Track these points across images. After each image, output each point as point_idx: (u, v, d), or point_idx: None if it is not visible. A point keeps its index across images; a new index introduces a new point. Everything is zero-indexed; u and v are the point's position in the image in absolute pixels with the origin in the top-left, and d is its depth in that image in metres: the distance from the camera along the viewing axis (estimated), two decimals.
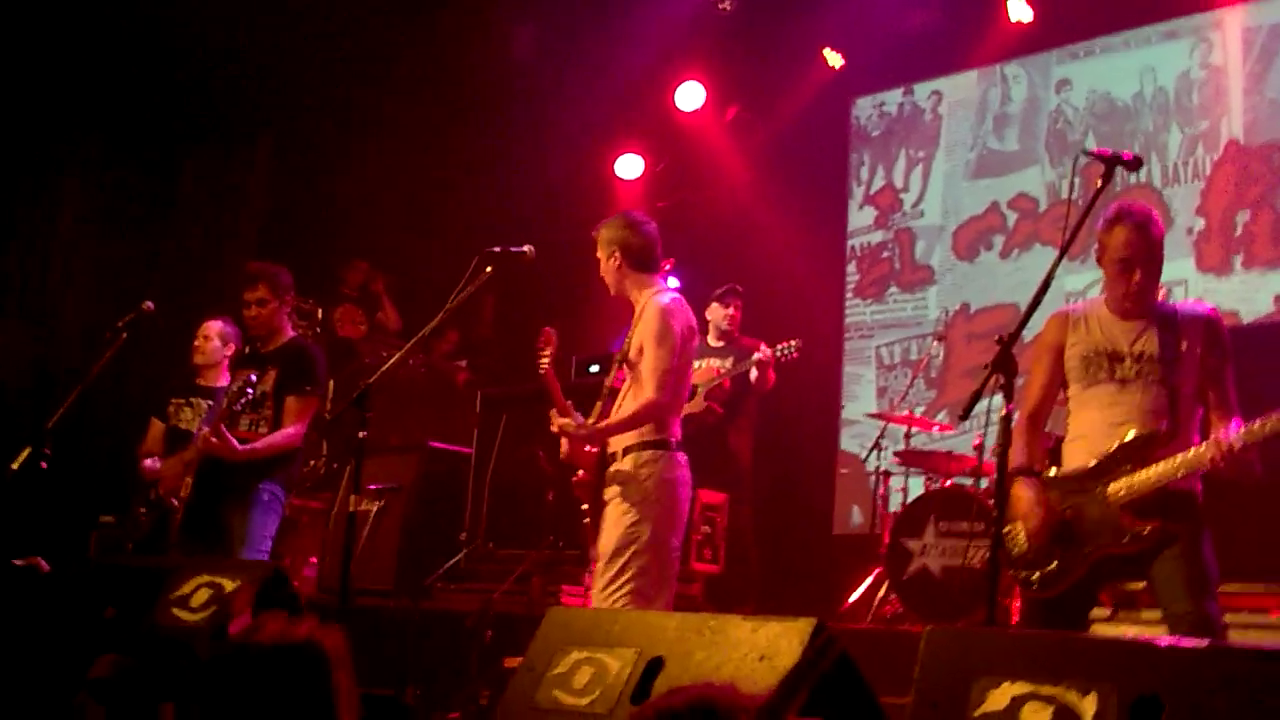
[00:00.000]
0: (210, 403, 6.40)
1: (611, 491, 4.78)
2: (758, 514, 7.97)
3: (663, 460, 4.77)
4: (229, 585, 3.67)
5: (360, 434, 4.65)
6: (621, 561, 4.65)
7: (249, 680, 2.33)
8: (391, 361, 5.09)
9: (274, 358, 6.09)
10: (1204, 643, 2.77)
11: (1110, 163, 3.87)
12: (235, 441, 5.78)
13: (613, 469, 4.79)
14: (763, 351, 7.45)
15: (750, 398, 7.75)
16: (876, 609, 7.24)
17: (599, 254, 5.03)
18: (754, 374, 7.51)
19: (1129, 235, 4.09)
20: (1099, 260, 4.22)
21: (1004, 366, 3.50)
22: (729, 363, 7.67)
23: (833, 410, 9.73)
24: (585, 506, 4.90)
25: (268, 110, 9.49)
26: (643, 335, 4.84)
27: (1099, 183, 3.87)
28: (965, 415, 3.62)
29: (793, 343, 7.49)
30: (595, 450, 4.86)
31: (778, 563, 8.70)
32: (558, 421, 4.83)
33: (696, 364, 7.69)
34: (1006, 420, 3.54)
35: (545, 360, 4.98)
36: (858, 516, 9.20)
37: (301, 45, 9.01)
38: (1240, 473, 3.87)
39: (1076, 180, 4.00)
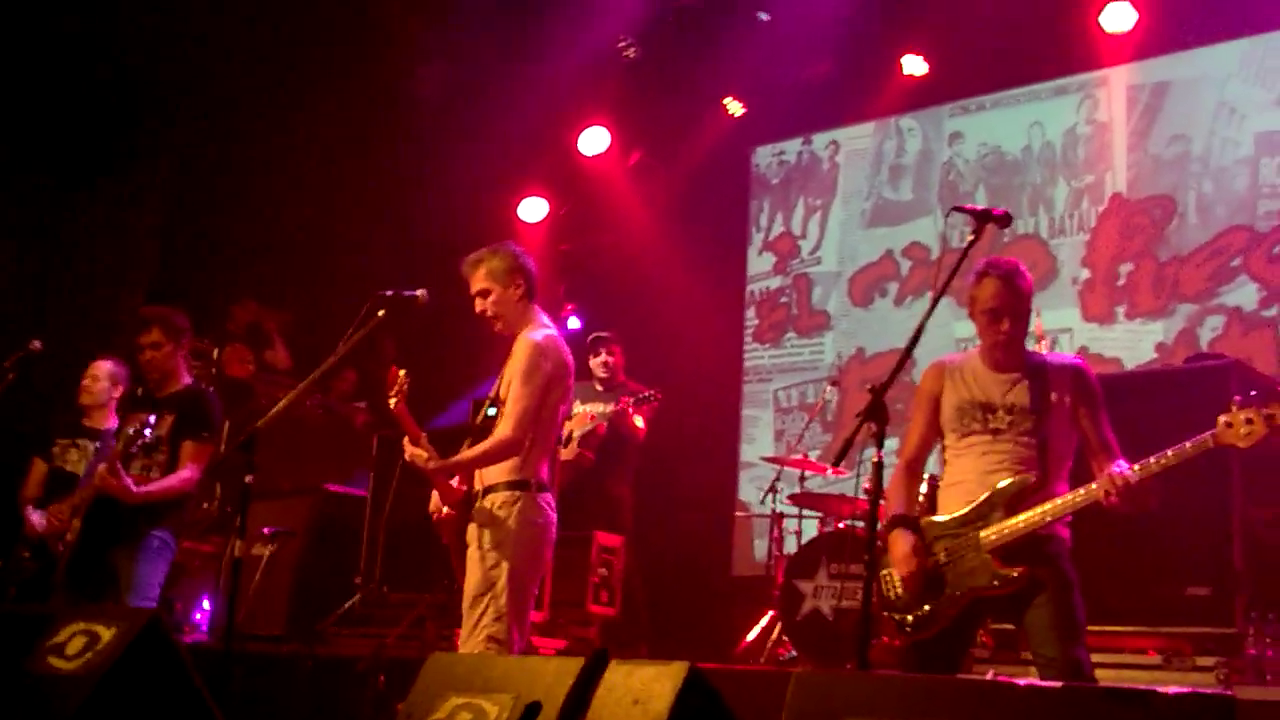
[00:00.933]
0: (97, 444, 6.31)
1: (472, 532, 4.74)
2: (651, 556, 8.04)
3: (523, 501, 4.70)
4: (105, 633, 3.62)
5: (247, 478, 4.61)
6: (481, 606, 4.61)
7: None
8: (282, 404, 5.02)
9: (170, 403, 6.01)
10: (1058, 684, 2.86)
11: (981, 218, 4.00)
12: (129, 481, 5.71)
13: (475, 508, 4.73)
14: (619, 403, 7.69)
15: (626, 444, 7.89)
16: (770, 650, 7.30)
17: (489, 285, 4.90)
18: (602, 425, 7.73)
19: (996, 287, 4.22)
20: (970, 313, 4.35)
21: (876, 415, 3.59)
22: (609, 408, 7.83)
23: (731, 453, 9.84)
24: (447, 543, 4.88)
25: (163, 144, 9.37)
26: (512, 371, 4.81)
27: (971, 237, 3.99)
28: (838, 461, 3.71)
29: (649, 393, 7.75)
30: (462, 488, 4.82)
31: (676, 605, 8.76)
32: (409, 451, 4.74)
33: (577, 408, 7.86)
34: (878, 467, 3.63)
35: (394, 399, 4.89)
36: (759, 557, 9.29)
37: (200, 79, 8.93)
38: (1135, 505, 3.99)
39: (958, 232, 4.13)
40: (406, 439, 4.84)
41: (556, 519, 4.85)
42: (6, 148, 8.96)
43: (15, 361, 6.24)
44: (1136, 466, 4.00)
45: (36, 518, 6.13)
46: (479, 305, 4.94)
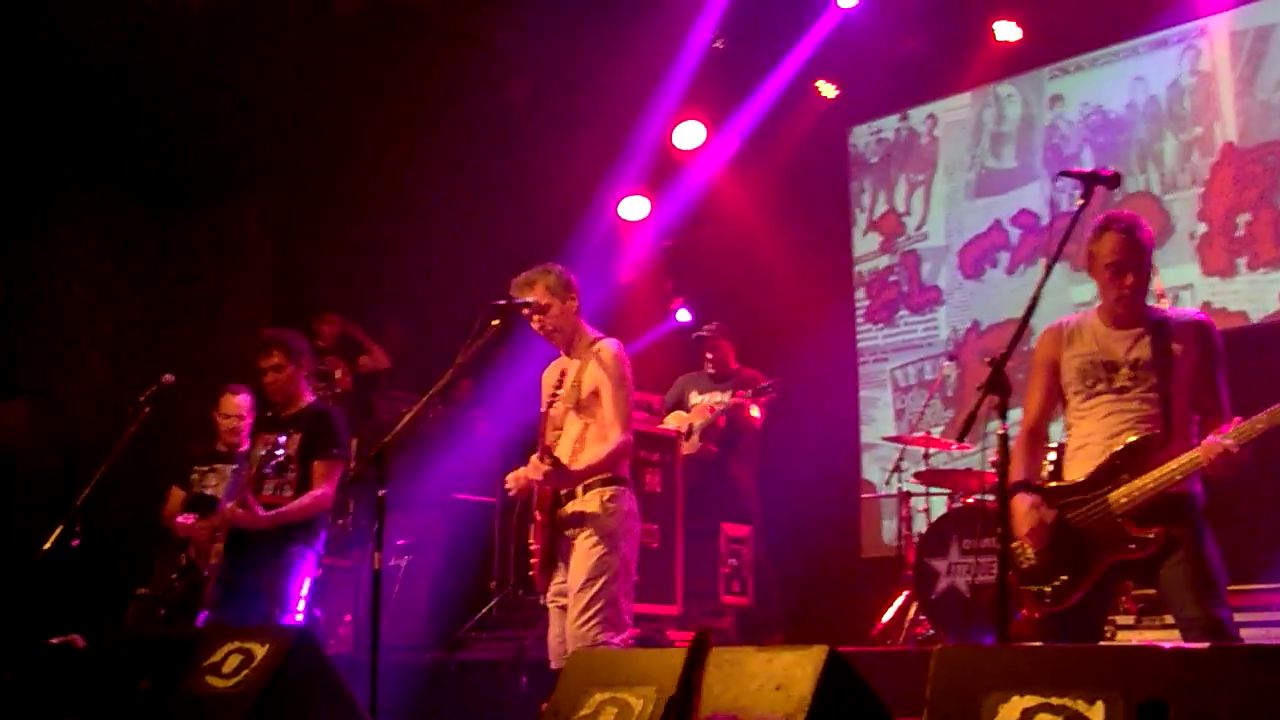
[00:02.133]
0: (234, 467, 6.52)
1: (578, 527, 4.97)
2: (780, 544, 8.06)
3: (624, 496, 5.03)
4: (259, 650, 3.76)
5: (380, 492, 4.73)
6: (594, 590, 4.86)
7: None
8: (408, 417, 5.14)
9: (296, 422, 6.18)
10: (1205, 645, 2.83)
11: (1090, 180, 3.95)
12: (261, 509, 5.88)
13: (574, 507, 4.98)
14: (736, 396, 7.85)
15: (744, 434, 7.96)
16: (908, 630, 7.27)
17: (549, 300, 5.14)
18: (722, 417, 7.90)
19: (1118, 241, 4.18)
20: (1089, 269, 4.29)
21: (997, 387, 3.57)
22: (727, 397, 7.93)
23: (853, 435, 9.80)
24: (535, 548, 5.08)
25: (266, 169, 9.60)
26: (597, 379, 5.06)
27: (1081, 200, 3.94)
28: (962, 436, 3.70)
29: (767, 384, 7.89)
30: (549, 492, 5.03)
31: (808, 591, 8.75)
32: (540, 469, 4.95)
33: (695, 399, 7.98)
34: (1004, 439, 3.61)
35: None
36: (888, 538, 9.24)
37: (297, 102, 9.13)
38: (1235, 472, 3.93)
39: (1067, 195, 4.09)
40: (535, 456, 5.05)
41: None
42: (120, 179, 9.24)
43: (149, 396, 6.44)
44: (1232, 433, 3.92)
45: (181, 518, 6.35)
46: (537, 321, 5.17)
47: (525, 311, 5.14)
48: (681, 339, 10.06)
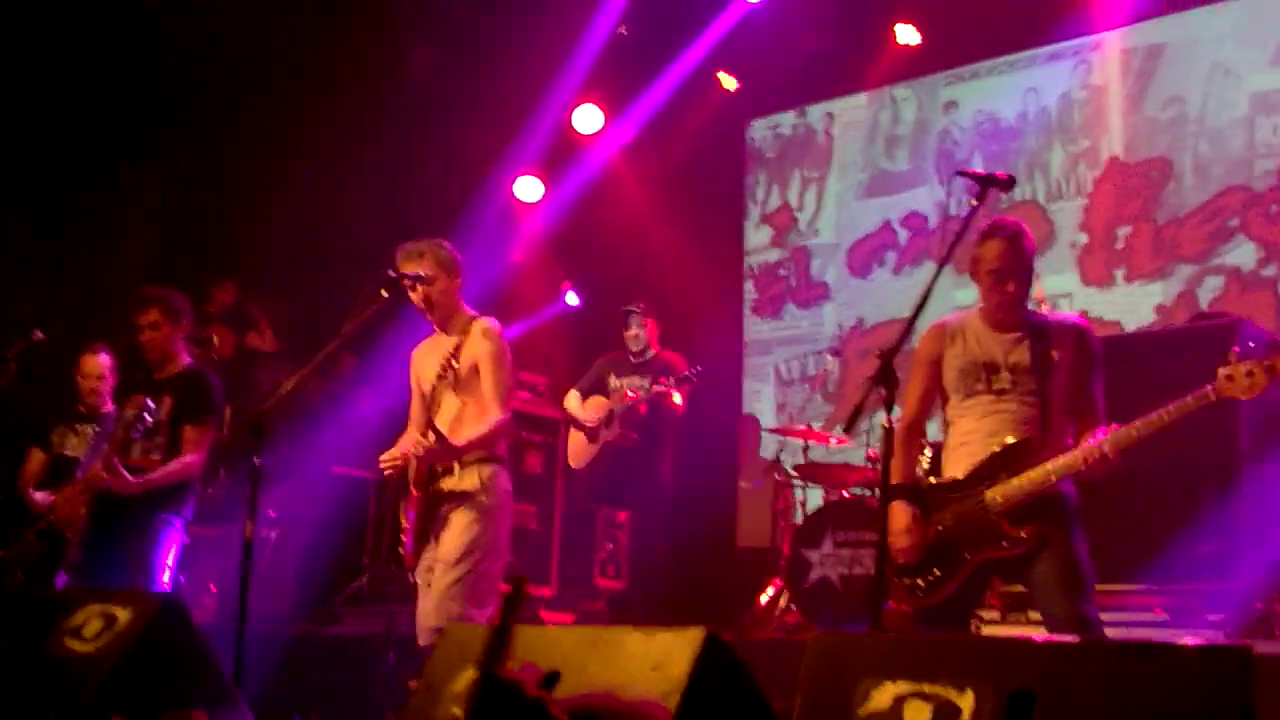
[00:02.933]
0: (95, 427, 6.34)
1: (453, 504, 4.98)
2: (660, 530, 8.05)
3: (500, 474, 5.05)
4: (122, 615, 3.65)
5: (256, 460, 4.64)
6: (467, 564, 4.89)
7: None
8: (288, 386, 5.03)
9: (169, 385, 6.01)
10: (1074, 638, 2.88)
11: (984, 182, 4.01)
12: (128, 475, 5.71)
13: (450, 484, 4.99)
14: (660, 383, 7.56)
15: (665, 422, 7.78)
16: (778, 619, 7.34)
17: (436, 273, 5.11)
18: (643, 404, 7.65)
19: (1002, 247, 4.25)
20: (972, 273, 4.36)
21: (885, 380, 3.60)
22: (646, 382, 7.68)
23: (735, 425, 9.86)
24: (407, 525, 5.09)
25: (158, 134, 9.35)
26: (476, 356, 5.06)
27: (973, 202, 4.00)
28: (848, 429, 3.74)
29: (689, 372, 7.60)
30: (425, 468, 5.01)
31: (683, 576, 8.78)
32: (424, 444, 4.92)
33: (614, 383, 7.76)
34: (889, 433, 3.65)
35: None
36: (764, 528, 9.30)
37: (191, 67, 8.91)
38: (1105, 474, 4.02)
39: (956, 199, 4.15)
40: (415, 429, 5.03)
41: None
42: (7, 142, 8.93)
43: (18, 353, 6.23)
44: (1109, 438, 4.00)
45: (41, 496, 6.16)
46: (419, 292, 5.12)
47: (407, 283, 5.08)
48: (568, 321, 10.03)
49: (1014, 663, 2.78)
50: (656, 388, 7.57)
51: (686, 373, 7.60)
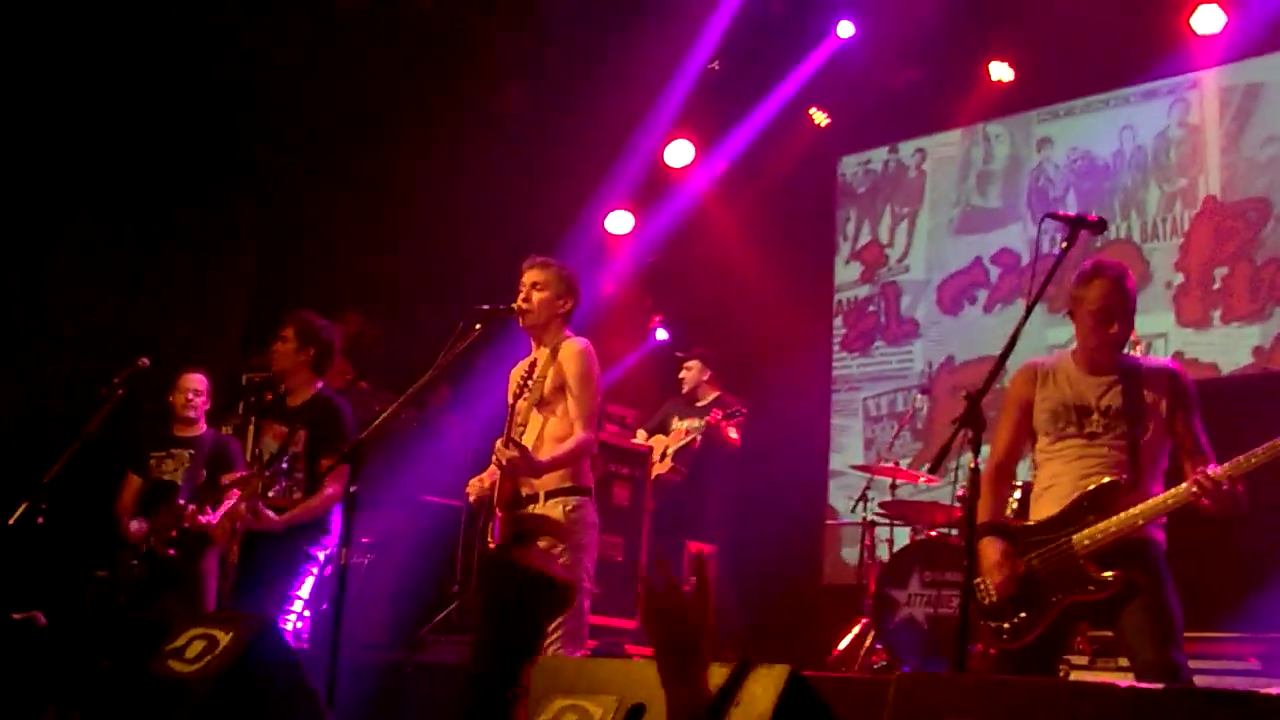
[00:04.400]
0: (191, 451, 6.50)
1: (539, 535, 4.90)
2: (744, 566, 8.13)
3: (586, 505, 4.97)
4: (223, 638, 3.76)
5: (351, 488, 4.74)
6: None
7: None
8: (384, 416, 5.11)
9: (301, 415, 6.01)
10: (1159, 686, 2.87)
11: (1075, 224, 4.01)
12: (271, 514, 5.76)
13: (535, 511, 4.91)
14: (710, 418, 8.06)
15: (721, 456, 8.11)
16: (864, 659, 7.31)
17: (543, 286, 5.14)
18: (697, 440, 8.12)
19: (1106, 288, 4.24)
20: (1073, 313, 4.35)
21: (972, 422, 3.61)
22: (702, 422, 8.13)
23: (821, 462, 9.85)
24: (494, 545, 5.02)
25: (259, 163, 9.58)
26: (564, 374, 5.03)
27: (1064, 243, 4.00)
28: (934, 469, 3.75)
29: (736, 408, 8.14)
30: (509, 490, 4.95)
31: (769, 613, 8.79)
32: (505, 454, 4.85)
33: (675, 424, 8.18)
34: (974, 474, 3.65)
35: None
36: (851, 565, 9.29)
37: (290, 98, 9.12)
38: (1227, 507, 3.97)
39: (1049, 238, 4.16)
40: (500, 442, 4.95)
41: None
42: (107, 168, 9.20)
43: (125, 378, 6.41)
44: (1226, 466, 3.98)
45: (135, 525, 6.31)
46: (527, 294, 5.14)
47: (517, 302, 5.12)
48: (659, 358, 10.11)
49: (1098, 709, 2.77)
50: (707, 422, 8.04)
51: (734, 409, 8.08)
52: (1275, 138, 8.13)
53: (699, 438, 8.12)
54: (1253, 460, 3.94)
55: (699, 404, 8.44)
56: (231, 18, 8.56)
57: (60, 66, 8.53)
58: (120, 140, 9.08)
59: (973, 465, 3.65)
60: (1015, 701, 2.88)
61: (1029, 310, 3.86)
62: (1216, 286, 8.23)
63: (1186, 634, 4.11)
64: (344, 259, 9.77)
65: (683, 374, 8.56)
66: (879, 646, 7.17)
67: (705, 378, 8.60)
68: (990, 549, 4.23)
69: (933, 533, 7.34)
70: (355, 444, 4.82)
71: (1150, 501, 4.07)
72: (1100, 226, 4.10)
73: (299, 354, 6.06)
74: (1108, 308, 4.25)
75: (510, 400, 5.13)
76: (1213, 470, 3.99)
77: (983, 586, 4.27)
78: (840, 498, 9.48)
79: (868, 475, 8.19)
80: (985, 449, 4.04)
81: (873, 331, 9.89)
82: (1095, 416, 4.24)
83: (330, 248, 9.79)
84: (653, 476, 8.07)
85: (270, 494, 5.87)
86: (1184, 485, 4.04)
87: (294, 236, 9.84)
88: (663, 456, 8.20)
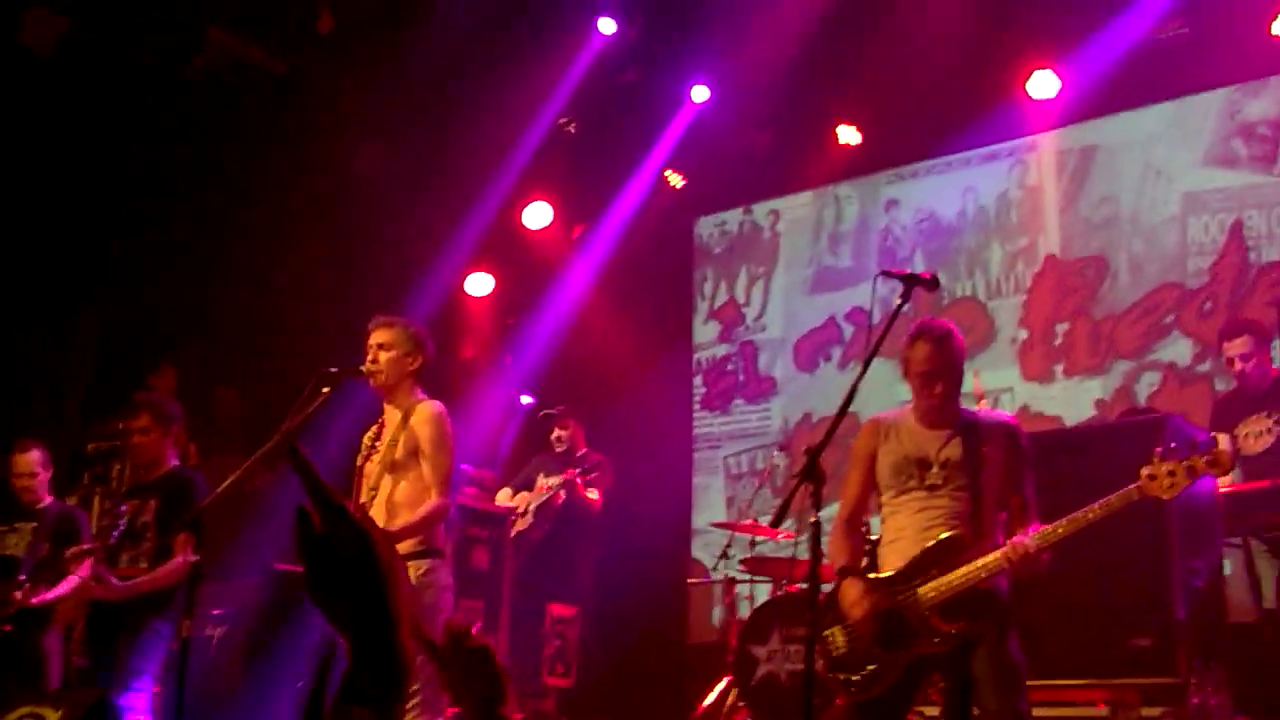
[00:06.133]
0: (35, 525, 6.37)
1: None
2: (608, 626, 8.10)
3: (439, 569, 4.93)
4: (52, 716, 3.63)
5: (193, 558, 4.62)
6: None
7: None
8: (228, 482, 4.99)
9: (155, 488, 6.04)
10: None
11: (908, 281, 4.12)
12: (115, 582, 5.69)
13: None
14: (567, 475, 8.07)
15: (582, 515, 8.13)
16: (726, 717, 7.30)
17: (389, 346, 5.12)
18: (560, 495, 8.08)
19: (929, 350, 4.35)
20: (904, 374, 4.46)
21: (812, 476, 3.66)
22: (562, 480, 8.13)
23: (685, 520, 9.88)
24: None
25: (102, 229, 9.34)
26: (417, 438, 4.99)
27: (898, 301, 4.10)
28: (776, 522, 3.79)
29: (593, 464, 8.21)
30: None
31: (633, 674, 8.75)
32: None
33: (544, 480, 8.13)
34: (816, 527, 3.69)
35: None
36: (715, 623, 9.31)
37: (139, 166, 8.94)
38: (1031, 572, 4.10)
39: (889, 297, 4.25)
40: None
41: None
42: None
43: None
44: (1034, 536, 4.09)
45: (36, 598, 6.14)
46: (374, 356, 5.11)
47: (365, 364, 5.07)
48: (523, 420, 10.08)
49: None
50: (564, 478, 8.01)
51: (591, 464, 8.11)
52: (1110, 198, 8.46)
53: (561, 493, 8.08)
54: (1058, 531, 4.07)
55: (564, 461, 8.42)
56: (85, 77, 8.35)
57: None
58: None
59: (813, 520, 3.69)
60: None
61: (864, 367, 3.96)
62: (1058, 342, 8.50)
63: (1037, 681, 4.19)
64: (190, 328, 9.56)
65: (559, 433, 8.50)
66: (741, 705, 7.17)
67: (579, 437, 8.62)
68: (850, 588, 4.29)
69: (792, 588, 7.39)
70: (198, 512, 4.71)
71: (982, 560, 4.15)
72: (933, 284, 4.21)
73: (162, 439, 6.14)
74: (931, 370, 4.36)
75: (359, 463, 5.07)
76: (1024, 539, 4.10)
77: (832, 638, 4.31)
78: (705, 555, 9.50)
79: (729, 532, 8.23)
80: (832, 505, 4.10)
81: (732, 390, 9.99)
82: (935, 469, 4.33)
83: (175, 317, 9.56)
84: (513, 533, 8.01)
85: (118, 565, 5.77)
86: (998, 552, 4.14)
87: (141, 302, 9.58)
88: (524, 512, 8.16)
